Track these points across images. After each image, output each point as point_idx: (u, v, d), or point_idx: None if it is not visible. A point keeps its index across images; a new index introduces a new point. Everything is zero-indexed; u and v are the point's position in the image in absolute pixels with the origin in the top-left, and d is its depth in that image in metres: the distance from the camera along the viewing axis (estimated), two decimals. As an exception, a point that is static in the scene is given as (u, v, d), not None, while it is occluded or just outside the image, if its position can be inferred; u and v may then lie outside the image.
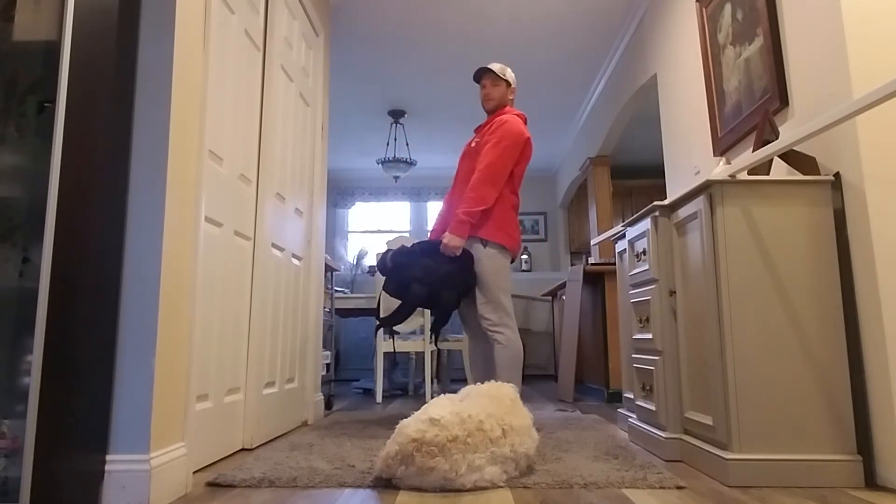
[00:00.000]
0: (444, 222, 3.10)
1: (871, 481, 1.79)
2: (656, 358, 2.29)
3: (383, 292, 2.91)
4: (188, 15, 1.83)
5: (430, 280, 2.76)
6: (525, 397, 2.51)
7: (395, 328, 4.23)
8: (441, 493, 1.69)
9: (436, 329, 2.94)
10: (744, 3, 2.60)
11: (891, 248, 1.81)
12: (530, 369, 7.30)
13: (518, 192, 2.96)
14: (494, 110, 3.00)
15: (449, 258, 2.76)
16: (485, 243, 2.79)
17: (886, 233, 1.82)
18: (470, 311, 2.92)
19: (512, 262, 2.91)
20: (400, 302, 2.86)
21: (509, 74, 3.03)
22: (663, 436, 2.19)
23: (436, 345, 2.90)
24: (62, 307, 1.41)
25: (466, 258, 2.78)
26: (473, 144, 2.94)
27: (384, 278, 2.90)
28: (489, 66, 3.01)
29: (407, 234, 7.75)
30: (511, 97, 3.05)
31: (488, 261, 2.79)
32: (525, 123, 3.00)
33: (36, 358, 1.38)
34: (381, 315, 2.98)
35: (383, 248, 4.27)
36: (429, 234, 3.22)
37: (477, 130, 3.09)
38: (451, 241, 2.73)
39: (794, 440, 1.81)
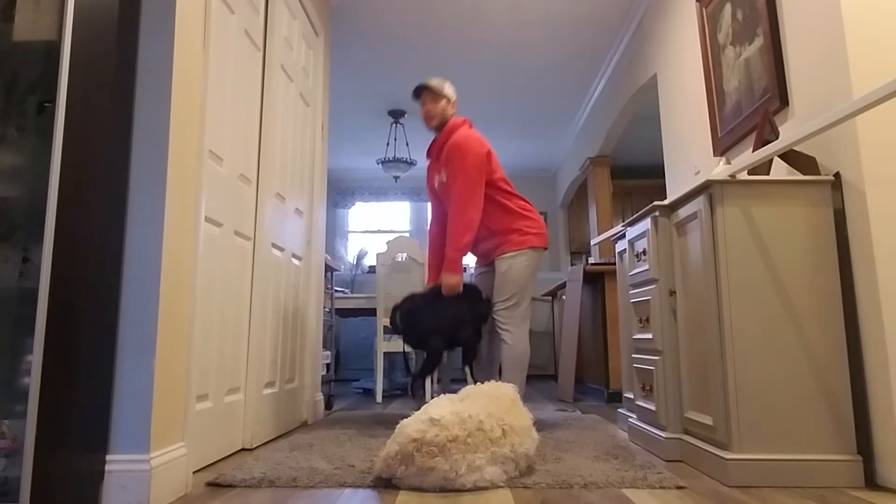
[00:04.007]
0: (436, 259, 3.09)
1: (871, 481, 1.79)
2: (656, 358, 2.29)
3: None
4: (188, 15, 1.83)
5: (443, 326, 2.77)
6: (525, 397, 2.51)
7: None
8: (441, 493, 1.69)
9: (467, 363, 2.95)
10: (744, 3, 2.60)
11: (891, 248, 1.81)
12: (530, 369, 7.28)
13: (514, 192, 2.95)
14: (439, 127, 2.98)
15: (454, 297, 2.76)
16: (514, 255, 2.82)
17: (886, 233, 1.82)
18: None
19: (545, 248, 2.91)
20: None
21: (448, 90, 2.99)
22: (663, 436, 2.19)
23: (473, 379, 2.93)
24: (62, 307, 1.41)
25: (470, 292, 2.80)
26: (437, 185, 2.94)
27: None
28: (427, 84, 2.97)
29: (407, 234, 7.75)
30: (452, 112, 3.00)
31: (514, 261, 2.82)
32: (472, 127, 2.98)
33: (36, 358, 1.38)
34: (413, 371, 3.01)
35: (383, 249, 4.27)
36: (426, 276, 3.23)
37: (430, 153, 3.07)
38: (449, 279, 2.75)
39: (794, 440, 1.81)
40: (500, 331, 2.77)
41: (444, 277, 2.76)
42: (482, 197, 2.81)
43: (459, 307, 2.78)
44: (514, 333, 2.76)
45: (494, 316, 2.80)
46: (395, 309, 2.91)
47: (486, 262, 2.99)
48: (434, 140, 3.03)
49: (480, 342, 2.87)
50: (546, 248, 2.93)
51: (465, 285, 2.80)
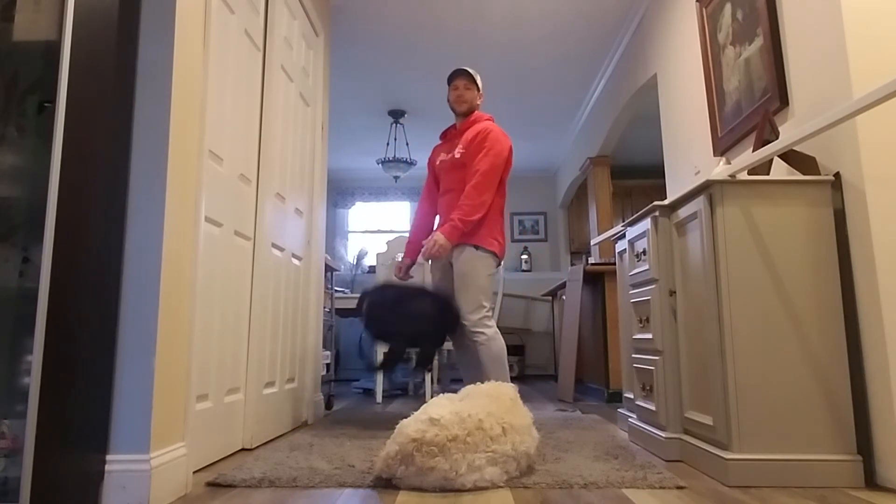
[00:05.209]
0: (419, 235, 3.13)
1: (871, 481, 1.79)
2: (656, 358, 2.29)
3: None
4: (188, 15, 1.83)
5: (407, 332, 2.76)
6: (525, 397, 2.50)
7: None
8: (441, 493, 1.69)
9: (421, 366, 2.91)
10: (744, 3, 2.60)
11: (891, 248, 1.81)
12: (530, 369, 7.31)
13: (504, 192, 3.01)
14: (466, 113, 3.03)
15: (425, 299, 2.75)
16: (477, 248, 2.84)
17: (886, 233, 1.82)
18: None
19: (497, 266, 2.96)
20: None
21: (480, 82, 3.10)
22: (663, 436, 2.19)
23: (423, 375, 2.90)
24: (62, 307, 1.41)
25: (443, 300, 2.78)
26: (458, 156, 2.94)
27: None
28: (467, 69, 3.05)
29: (407, 234, 7.75)
30: (479, 102, 3.09)
31: (479, 262, 2.82)
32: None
33: (36, 358, 1.38)
34: (378, 363, 2.99)
35: (383, 249, 4.27)
36: (403, 251, 3.24)
37: (446, 136, 3.11)
38: (441, 240, 2.74)
39: (794, 440, 1.81)
40: (473, 336, 2.77)
41: (438, 236, 2.75)
42: (496, 188, 2.88)
43: (428, 312, 2.74)
44: (484, 333, 2.77)
45: (464, 323, 2.78)
46: (364, 295, 2.89)
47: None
48: (453, 124, 3.10)
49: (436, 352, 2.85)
50: (498, 263, 2.97)
51: (438, 293, 2.80)
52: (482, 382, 2.23)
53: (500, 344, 2.78)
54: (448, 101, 3.08)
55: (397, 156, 6.12)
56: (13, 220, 1.49)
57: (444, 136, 3.15)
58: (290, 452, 2.24)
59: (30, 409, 1.36)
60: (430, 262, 3.08)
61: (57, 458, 1.38)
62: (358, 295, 4.73)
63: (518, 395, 2.13)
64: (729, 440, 1.83)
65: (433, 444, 1.71)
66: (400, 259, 3.20)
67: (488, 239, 2.85)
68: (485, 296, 2.82)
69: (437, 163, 3.07)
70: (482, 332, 2.76)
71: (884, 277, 1.79)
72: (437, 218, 3.13)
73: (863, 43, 1.92)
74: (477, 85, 3.05)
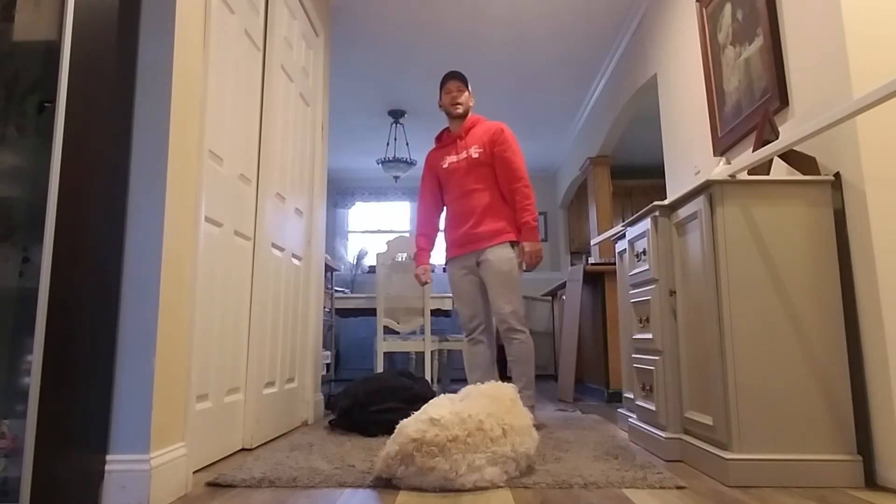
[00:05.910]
0: (431, 243, 3.15)
1: (871, 481, 1.79)
2: (656, 358, 2.29)
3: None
4: (188, 15, 1.83)
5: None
6: (525, 397, 2.50)
7: (395, 329, 4.24)
8: (441, 493, 1.69)
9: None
10: (744, 3, 2.60)
11: (891, 248, 1.81)
12: (530, 369, 7.30)
13: None
14: (464, 115, 3.06)
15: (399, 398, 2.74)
16: (513, 245, 2.91)
17: (886, 233, 1.82)
18: (484, 315, 2.98)
19: None
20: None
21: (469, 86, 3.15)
22: (663, 436, 2.19)
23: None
24: (62, 307, 1.41)
25: (420, 393, 2.79)
26: (476, 155, 2.95)
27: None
28: (461, 73, 3.08)
29: (407, 234, 7.75)
30: (471, 104, 3.12)
31: (515, 260, 2.88)
32: None
33: (36, 358, 1.38)
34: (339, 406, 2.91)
35: (383, 249, 4.27)
36: (414, 252, 3.21)
37: (443, 141, 3.13)
38: (536, 247, 2.85)
39: (794, 440, 1.81)
40: (514, 334, 2.83)
41: (530, 246, 2.84)
42: None
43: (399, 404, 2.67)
44: (525, 332, 2.85)
45: (506, 320, 2.82)
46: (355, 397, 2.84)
47: (477, 248, 2.93)
48: (447, 128, 3.13)
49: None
50: None
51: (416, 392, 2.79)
52: (512, 380, 2.24)
53: (531, 342, 2.88)
54: (441, 105, 3.08)
55: (397, 156, 6.12)
56: (13, 220, 1.49)
57: (440, 140, 3.16)
58: (290, 452, 2.24)
59: (30, 409, 1.36)
60: (448, 264, 3.07)
61: (57, 458, 1.38)
62: (361, 295, 4.74)
63: (518, 395, 2.13)
64: (729, 440, 1.83)
65: (433, 445, 1.71)
66: (417, 269, 3.16)
67: (514, 234, 2.94)
68: (520, 291, 2.90)
69: (445, 166, 3.05)
70: (523, 331, 2.84)
71: (884, 277, 1.79)
72: (447, 217, 3.11)
73: (863, 43, 1.92)
74: (469, 87, 3.08)
